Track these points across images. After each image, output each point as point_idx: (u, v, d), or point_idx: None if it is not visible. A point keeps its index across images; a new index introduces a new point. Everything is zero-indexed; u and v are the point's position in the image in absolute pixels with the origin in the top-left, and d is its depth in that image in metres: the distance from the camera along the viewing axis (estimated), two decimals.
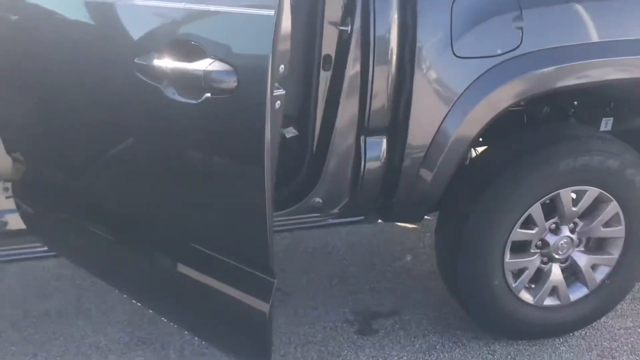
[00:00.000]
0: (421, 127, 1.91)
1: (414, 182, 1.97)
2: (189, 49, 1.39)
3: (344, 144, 1.92)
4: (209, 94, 1.36)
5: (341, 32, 1.83)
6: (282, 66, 1.31)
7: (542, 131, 2.23)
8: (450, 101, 1.88)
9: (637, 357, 2.26)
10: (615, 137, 2.22)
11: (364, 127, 1.90)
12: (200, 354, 2.19)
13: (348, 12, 1.80)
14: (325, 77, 1.89)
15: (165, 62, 1.39)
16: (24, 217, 1.78)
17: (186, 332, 1.81)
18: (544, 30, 1.88)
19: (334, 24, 1.83)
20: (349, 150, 1.92)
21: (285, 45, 1.28)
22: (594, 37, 1.90)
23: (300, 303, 2.54)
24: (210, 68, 1.33)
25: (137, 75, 1.41)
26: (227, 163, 1.49)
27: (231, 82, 1.32)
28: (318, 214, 2.03)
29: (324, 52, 1.87)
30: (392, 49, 1.83)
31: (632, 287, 2.40)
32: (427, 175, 1.96)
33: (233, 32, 1.35)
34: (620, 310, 2.50)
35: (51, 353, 2.20)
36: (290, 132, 2.04)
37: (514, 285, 2.18)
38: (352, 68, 1.83)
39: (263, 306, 1.51)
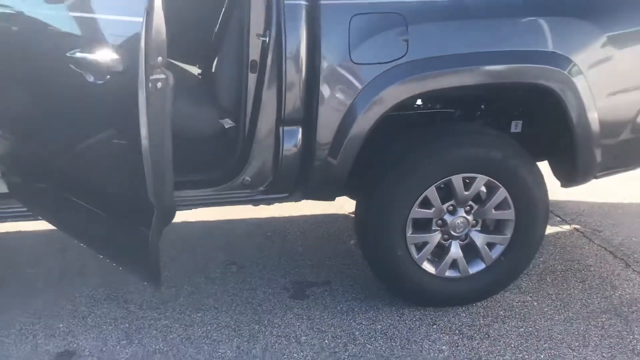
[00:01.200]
0: (327, 121, 2.36)
1: (324, 166, 2.41)
2: (99, 45, 1.91)
3: (267, 133, 2.38)
4: (108, 76, 1.86)
5: (262, 42, 2.30)
6: (160, 57, 1.78)
7: (437, 128, 2.66)
8: (349, 99, 2.33)
9: (525, 323, 2.63)
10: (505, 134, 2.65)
11: (281, 119, 2.35)
12: (155, 308, 2.66)
13: (267, 25, 2.28)
14: (252, 78, 2.36)
15: (85, 55, 1.90)
16: (7, 183, 2.28)
17: (117, 267, 2.25)
18: (424, 43, 2.32)
19: (258, 35, 2.30)
20: (270, 138, 2.38)
21: (158, 41, 1.75)
22: (458, 49, 2.34)
23: (249, 274, 2.98)
24: (108, 58, 1.84)
25: (69, 66, 1.93)
26: (122, 127, 1.96)
27: (119, 67, 1.82)
28: (248, 191, 2.48)
29: (251, 58, 2.33)
30: (301, 56, 2.29)
31: (527, 266, 2.79)
32: (333, 160, 2.40)
33: (125, 33, 1.86)
34: (523, 287, 2.88)
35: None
36: (228, 122, 2.52)
37: (416, 256, 2.59)
38: (270, 71, 2.30)
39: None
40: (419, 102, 2.72)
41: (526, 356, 2.42)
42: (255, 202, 2.56)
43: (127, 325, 2.56)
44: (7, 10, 2.14)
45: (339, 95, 2.34)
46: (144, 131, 1.74)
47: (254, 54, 2.33)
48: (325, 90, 2.33)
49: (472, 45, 2.35)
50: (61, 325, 2.55)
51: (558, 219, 3.61)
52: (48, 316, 2.59)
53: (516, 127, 2.87)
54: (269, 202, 2.58)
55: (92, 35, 1.96)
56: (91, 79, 1.85)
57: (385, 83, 2.31)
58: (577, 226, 3.54)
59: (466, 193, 2.55)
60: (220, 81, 2.57)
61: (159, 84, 1.77)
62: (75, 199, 2.14)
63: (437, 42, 2.34)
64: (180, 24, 2.79)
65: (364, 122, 2.34)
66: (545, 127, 2.75)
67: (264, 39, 2.29)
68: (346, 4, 2.30)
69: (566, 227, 3.53)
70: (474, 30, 2.37)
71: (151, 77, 1.72)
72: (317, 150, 2.40)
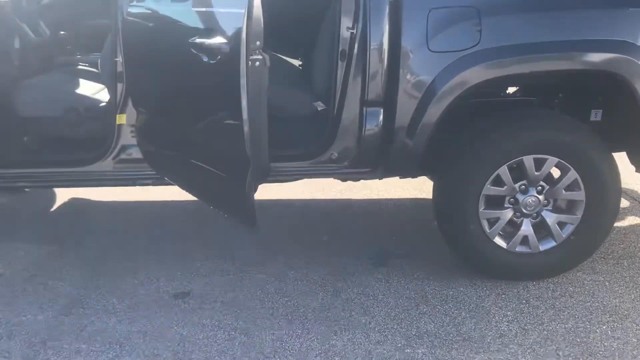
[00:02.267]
0: (405, 103, 2.67)
1: (401, 145, 2.72)
2: (212, 33, 2.33)
3: (352, 113, 2.73)
4: (219, 56, 2.27)
5: (351, 34, 2.66)
6: (258, 42, 2.17)
7: (509, 112, 2.88)
8: (425, 84, 2.63)
9: (593, 300, 2.77)
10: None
11: (365, 101, 2.70)
12: (256, 264, 3.11)
13: (355, 19, 2.63)
14: (341, 66, 2.72)
15: (203, 41, 2.34)
16: (142, 151, 2.80)
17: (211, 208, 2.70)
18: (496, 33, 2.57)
19: (347, 28, 2.66)
20: (355, 117, 2.73)
21: (257, 29, 2.15)
22: (529, 39, 2.56)
23: (339, 244, 3.35)
24: (217, 42, 2.26)
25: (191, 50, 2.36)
26: (229, 99, 2.32)
27: (226, 50, 2.23)
28: (336, 165, 2.84)
29: (341, 48, 2.70)
30: (383, 46, 2.62)
31: (597, 246, 2.92)
32: (409, 140, 2.70)
33: (228, 23, 2.29)
34: (598, 269, 3.02)
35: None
36: (320, 105, 2.90)
37: (488, 231, 2.83)
38: (357, 59, 2.65)
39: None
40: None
41: (588, 326, 2.58)
42: (342, 176, 2.92)
43: (231, 276, 3.02)
44: (145, 10, 2.65)
45: (416, 80, 2.64)
46: (244, 102, 2.14)
47: (344, 44, 2.68)
48: (404, 75, 2.64)
49: (539, 35, 2.56)
50: (179, 273, 3.05)
51: None
52: (169, 267, 3.10)
53: (596, 115, 3.00)
54: (354, 177, 2.92)
55: (207, 25, 2.40)
56: (205, 59, 2.30)
57: (457, 69, 2.58)
58: None
59: (537, 173, 2.75)
60: (315, 69, 2.96)
61: (257, 63, 2.18)
62: (195, 162, 2.60)
63: (507, 33, 2.57)
64: (285, 22, 3.25)
65: (437, 105, 2.63)
66: (621, 116, 2.88)
67: (352, 31, 2.64)
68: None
69: None
70: (541, 21, 2.58)
71: (250, 58, 2.13)
72: (395, 130, 2.71)
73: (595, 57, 2.58)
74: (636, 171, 2.93)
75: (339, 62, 2.72)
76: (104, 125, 2.84)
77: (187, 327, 2.60)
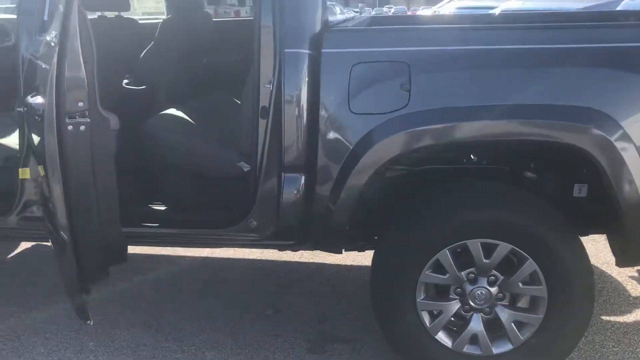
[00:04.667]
0: (326, 170, 2.29)
1: (323, 215, 2.34)
2: None
3: (271, 177, 2.38)
4: None
5: (269, 90, 2.32)
6: (80, 103, 1.91)
7: (450, 183, 2.43)
8: (347, 150, 2.24)
9: None
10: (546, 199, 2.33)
11: (282, 164, 2.34)
12: (178, 340, 2.77)
13: (273, 72, 2.30)
14: (262, 124, 2.39)
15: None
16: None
17: None
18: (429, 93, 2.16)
19: (266, 83, 2.34)
20: (274, 183, 2.38)
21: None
22: (466, 101, 2.13)
23: (280, 319, 2.96)
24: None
25: None
26: None
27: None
28: (255, 234, 2.49)
29: (261, 104, 2.37)
30: (301, 104, 2.27)
31: (566, 354, 2.38)
32: (331, 210, 2.31)
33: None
34: None
35: None
36: (245, 166, 2.57)
37: (429, 325, 2.37)
38: (274, 118, 2.31)
39: None
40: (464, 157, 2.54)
41: None
42: (265, 247, 2.55)
43: (146, 352, 2.69)
44: None
45: (337, 144, 2.27)
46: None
47: (264, 100, 2.36)
48: (323, 138, 2.27)
49: (481, 97, 2.13)
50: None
51: None
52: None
53: (580, 191, 2.50)
54: (279, 249, 2.56)
55: None
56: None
57: (381, 135, 2.19)
58: None
59: (486, 261, 2.28)
60: (241, 124, 2.65)
61: (82, 128, 1.90)
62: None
63: (441, 93, 2.16)
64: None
65: (360, 176, 2.24)
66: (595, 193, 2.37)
67: (268, 85, 2.31)
68: (348, 52, 2.23)
69: None
70: (484, 81, 2.15)
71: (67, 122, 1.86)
72: (315, 200, 2.34)
73: (550, 128, 2.12)
74: (616, 264, 2.38)
75: (260, 119, 2.38)
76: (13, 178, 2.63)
77: None
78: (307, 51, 2.24)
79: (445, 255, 2.29)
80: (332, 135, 2.27)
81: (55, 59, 1.80)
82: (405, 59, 2.18)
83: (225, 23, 4.51)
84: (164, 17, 3.70)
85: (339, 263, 3.52)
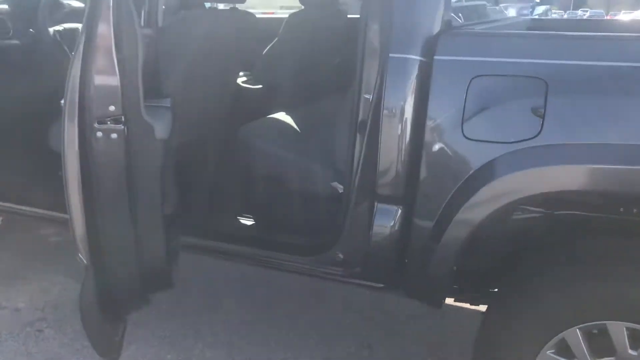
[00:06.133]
0: (429, 201, 1.85)
1: (422, 256, 1.90)
2: None
3: (361, 205, 1.99)
4: None
5: (369, 101, 1.92)
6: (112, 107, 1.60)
7: (602, 241, 1.83)
8: (457, 180, 1.77)
9: None
10: None
11: (375, 191, 1.94)
12: None
13: (374, 82, 1.90)
14: (360, 141, 2.00)
15: None
16: None
17: None
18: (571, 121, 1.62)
19: (365, 93, 1.94)
20: (365, 212, 1.98)
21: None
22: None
23: None
24: None
25: None
26: None
27: None
28: (340, 268, 2.11)
29: (360, 117, 1.98)
30: (403, 121, 1.84)
31: None
32: (431, 254, 1.86)
33: None
34: None
35: None
36: (339, 187, 2.19)
37: None
38: (369, 135, 1.91)
39: None
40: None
41: None
42: (352, 285, 2.16)
43: None
44: None
45: (443, 174, 1.80)
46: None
47: (364, 112, 1.97)
48: (428, 165, 1.82)
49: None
50: None
51: None
52: None
53: None
54: (367, 288, 2.15)
55: None
56: None
57: (502, 169, 1.69)
58: None
59: (632, 353, 1.69)
60: (335, 137, 2.28)
61: (114, 136, 1.61)
62: None
63: (589, 123, 1.61)
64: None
65: (472, 212, 1.76)
66: None
67: (368, 96, 1.91)
68: (467, 62, 1.75)
69: None
70: None
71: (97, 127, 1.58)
72: (412, 238, 1.90)
73: None
74: None
75: (357, 135, 2.00)
76: None
77: None
78: (416, 57, 1.80)
79: (574, 336, 1.73)
80: (438, 162, 1.82)
81: (80, 49, 1.55)
82: (542, 75, 1.65)
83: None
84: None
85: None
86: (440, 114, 1.78)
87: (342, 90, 2.92)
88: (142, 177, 1.68)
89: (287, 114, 2.74)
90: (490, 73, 1.72)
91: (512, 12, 3.33)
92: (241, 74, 3.13)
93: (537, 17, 4.57)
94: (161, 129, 1.69)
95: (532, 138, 1.66)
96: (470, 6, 2.54)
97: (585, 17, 13.27)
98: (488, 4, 2.88)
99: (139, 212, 1.72)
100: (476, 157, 1.74)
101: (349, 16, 3.45)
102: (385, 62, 1.83)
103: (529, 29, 2.86)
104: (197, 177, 2.42)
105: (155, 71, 2.05)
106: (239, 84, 3.04)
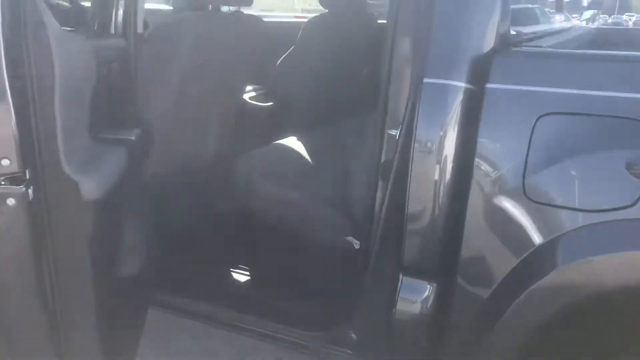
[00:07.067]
0: (473, 281, 1.36)
1: (461, 352, 1.41)
2: None
3: (382, 274, 1.51)
4: None
5: (394, 138, 1.45)
6: None
7: None
8: (515, 256, 1.28)
9: None
10: None
11: (400, 262, 1.45)
12: None
13: (402, 114, 1.42)
14: (382, 188, 1.53)
15: None
16: None
17: None
18: None
19: (390, 128, 1.47)
20: (386, 283, 1.50)
21: None
22: None
23: None
24: None
25: None
26: None
27: None
28: (352, 352, 1.63)
29: (383, 157, 1.51)
30: (440, 168, 1.36)
31: None
32: (476, 345, 1.38)
33: None
34: None
35: None
36: (355, 243, 1.72)
37: None
38: (394, 182, 1.44)
39: None
40: None
41: None
42: None
43: None
44: None
45: (496, 245, 1.31)
46: None
47: (387, 152, 1.49)
48: (472, 231, 1.33)
49: None
50: None
51: None
52: None
53: None
54: None
55: None
56: None
57: (583, 249, 1.19)
58: None
59: None
60: (354, 177, 1.80)
61: None
62: None
63: None
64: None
65: (537, 303, 1.26)
66: None
67: (394, 132, 1.43)
68: (533, 93, 1.26)
69: None
70: None
71: None
72: (452, 322, 1.41)
73: None
74: None
75: (380, 180, 1.52)
76: None
77: None
78: (460, 84, 1.31)
79: None
80: (487, 229, 1.33)
81: None
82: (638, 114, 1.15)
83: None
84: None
85: None
86: (492, 163, 1.29)
87: (368, 110, 2.42)
88: (63, 257, 1.21)
89: (298, 139, 2.27)
90: (566, 110, 1.22)
91: (558, 18, 2.80)
92: (250, 88, 2.67)
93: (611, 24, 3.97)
94: (96, 182, 1.22)
95: (625, 207, 1.15)
96: (527, 11, 2.04)
97: (631, 24, 12.35)
98: (545, 9, 2.37)
99: (59, 303, 1.25)
100: (542, 226, 1.25)
101: (379, 21, 2.97)
102: (417, 90, 1.35)
103: (594, 42, 2.34)
104: (182, 219, 1.97)
105: (129, 91, 1.61)
106: (245, 101, 2.57)
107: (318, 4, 2.82)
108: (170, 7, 3.74)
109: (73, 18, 2.04)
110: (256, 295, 1.87)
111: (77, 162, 1.16)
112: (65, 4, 2.48)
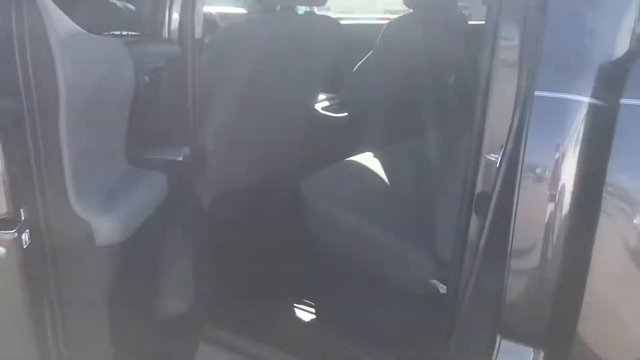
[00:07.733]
0: (597, 349, 1.05)
1: None
2: None
3: (473, 334, 1.23)
4: None
5: (489, 163, 1.17)
6: None
7: None
8: None
9: None
10: None
11: (500, 319, 1.16)
12: None
13: (506, 134, 1.14)
14: (476, 224, 1.24)
15: None
16: None
17: None
18: None
19: (489, 152, 1.19)
20: (478, 346, 1.22)
21: None
22: None
23: None
24: None
25: None
26: None
27: None
28: None
29: (480, 188, 1.23)
30: (556, 201, 1.06)
31: None
32: None
33: None
34: None
35: None
36: (441, 287, 1.44)
37: None
38: (494, 217, 1.15)
39: None
40: None
41: None
42: None
43: None
44: None
45: (628, 307, 1.00)
46: None
47: (484, 181, 1.21)
48: (599, 286, 1.03)
49: None
50: None
51: None
52: None
53: None
54: None
55: None
56: None
57: None
58: None
59: None
60: (442, 206, 1.51)
61: None
62: None
63: None
64: None
65: None
66: None
67: (494, 157, 1.15)
68: None
69: None
70: None
71: None
72: None
73: None
74: None
75: (474, 214, 1.24)
76: None
77: None
78: (584, 98, 1.01)
79: None
80: (619, 281, 1.02)
81: None
82: None
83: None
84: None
85: None
86: (629, 199, 0.98)
87: (457, 126, 2.12)
88: (75, 318, 0.98)
89: (375, 155, 2.01)
90: None
91: None
92: (323, 97, 2.43)
93: None
94: (119, 222, 0.98)
95: None
96: None
97: None
98: None
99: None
100: None
101: (470, 22, 2.66)
102: (526, 105, 1.06)
103: None
104: (242, 249, 1.75)
105: (179, 103, 1.40)
106: (316, 111, 2.34)
107: (402, 3, 2.55)
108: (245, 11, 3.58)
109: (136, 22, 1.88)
110: (320, 341, 1.62)
111: (94, 198, 0.94)
112: (132, 7, 2.33)
